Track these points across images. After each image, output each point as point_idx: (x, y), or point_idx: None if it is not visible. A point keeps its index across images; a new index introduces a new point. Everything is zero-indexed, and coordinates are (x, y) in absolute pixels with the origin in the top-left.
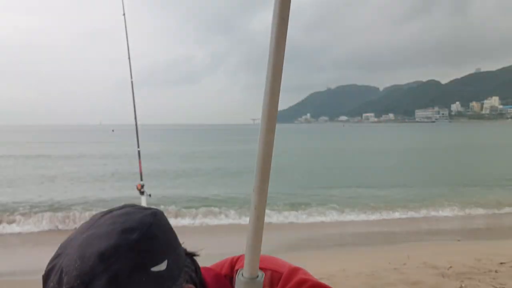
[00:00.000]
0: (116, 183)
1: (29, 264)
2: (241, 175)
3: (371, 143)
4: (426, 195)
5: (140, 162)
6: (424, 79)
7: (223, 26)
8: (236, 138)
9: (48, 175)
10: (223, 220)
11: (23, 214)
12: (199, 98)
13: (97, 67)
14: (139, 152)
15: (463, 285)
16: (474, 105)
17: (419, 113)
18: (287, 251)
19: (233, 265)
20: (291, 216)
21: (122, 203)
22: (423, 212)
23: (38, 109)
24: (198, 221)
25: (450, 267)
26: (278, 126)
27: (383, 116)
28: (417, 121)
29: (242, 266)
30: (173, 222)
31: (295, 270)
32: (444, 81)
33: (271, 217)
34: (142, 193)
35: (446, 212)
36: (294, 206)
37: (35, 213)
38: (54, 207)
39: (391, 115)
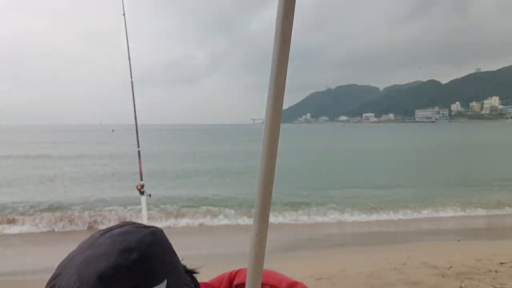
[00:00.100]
0: (116, 183)
1: (29, 265)
2: (241, 175)
3: (371, 143)
4: (426, 195)
5: (140, 162)
6: (424, 79)
7: (223, 26)
8: (236, 138)
9: (48, 175)
10: (222, 220)
11: (22, 214)
12: (199, 98)
13: (97, 67)
14: (139, 152)
15: (463, 285)
16: (474, 105)
17: (419, 113)
18: (287, 251)
19: (231, 280)
20: (291, 216)
21: (122, 203)
22: (423, 212)
23: (38, 109)
24: (197, 221)
25: (450, 267)
26: None
27: (383, 116)
28: (417, 121)
29: (240, 281)
30: (173, 222)
31: (293, 285)
32: (444, 81)
33: (271, 217)
34: (142, 193)
35: (446, 213)
36: (294, 206)
37: (35, 213)
38: (54, 208)
39: (391, 115)
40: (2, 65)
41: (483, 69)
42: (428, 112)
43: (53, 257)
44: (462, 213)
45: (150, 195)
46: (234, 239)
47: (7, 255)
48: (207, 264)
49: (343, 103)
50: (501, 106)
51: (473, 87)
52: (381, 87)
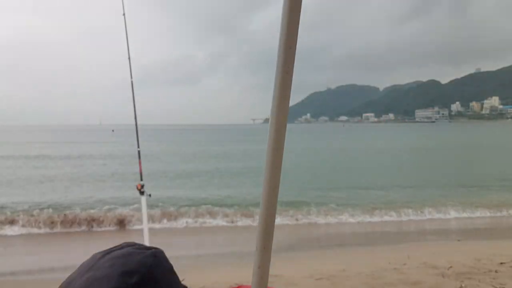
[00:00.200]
0: (116, 183)
1: (28, 265)
2: (240, 175)
3: (371, 143)
4: (426, 196)
5: (140, 162)
6: (424, 79)
7: (223, 26)
8: (236, 138)
9: (48, 176)
10: (222, 221)
11: (21, 214)
12: (199, 98)
13: (97, 67)
14: (139, 152)
15: (463, 285)
16: (474, 105)
17: (419, 113)
18: (288, 251)
19: None
20: (291, 216)
21: (122, 204)
22: (423, 213)
23: (38, 109)
24: (197, 222)
25: (450, 267)
26: None
27: (383, 116)
28: (417, 121)
29: None
30: (172, 222)
31: None
32: (444, 81)
33: None
34: (142, 193)
35: (446, 213)
36: (294, 206)
37: (34, 213)
38: (53, 208)
39: (391, 115)
40: (2, 65)
41: (483, 69)
42: (428, 112)
43: (52, 257)
44: (462, 214)
45: (150, 195)
46: (234, 239)
47: (6, 256)
48: (206, 264)
49: (343, 103)
50: (501, 106)
51: (473, 87)
52: (381, 87)
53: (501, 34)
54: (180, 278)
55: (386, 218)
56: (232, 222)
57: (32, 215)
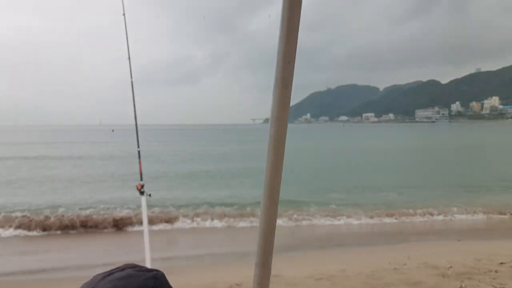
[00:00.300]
0: (115, 183)
1: (26, 266)
2: (240, 176)
3: (371, 144)
4: (427, 196)
5: (140, 162)
6: (424, 79)
7: (223, 26)
8: (236, 138)
9: (47, 176)
10: (222, 221)
11: (20, 216)
12: (199, 98)
13: (97, 67)
14: (139, 152)
15: (463, 285)
16: (474, 105)
17: (419, 113)
18: (288, 251)
19: None
20: (291, 216)
21: (121, 204)
22: (423, 213)
23: (37, 109)
24: (196, 222)
25: (450, 267)
26: None
27: (383, 116)
28: (417, 121)
29: None
30: (172, 223)
31: None
32: (444, 81)
33: None
34: (142, 193)
35: (446, 214)
36: (294, 206)
37: (32, 214)
38: (52, 209)
39: (391, 115)
40: (1, 65)
41: (483, 69)
42: (428, 112)
43: (50, 258)
44: (462, 215)
45: (150, 195)
46: (234, 239)
47: (4, 257)
48: (206, 264)
49: (343, 103)
50: (501, 106)
51: (473, 87)
52: (381, 87)
53: (502, 34)
54: (181, 278)
55: (386, 218)
56: (232, 222)
57: (30, 216)
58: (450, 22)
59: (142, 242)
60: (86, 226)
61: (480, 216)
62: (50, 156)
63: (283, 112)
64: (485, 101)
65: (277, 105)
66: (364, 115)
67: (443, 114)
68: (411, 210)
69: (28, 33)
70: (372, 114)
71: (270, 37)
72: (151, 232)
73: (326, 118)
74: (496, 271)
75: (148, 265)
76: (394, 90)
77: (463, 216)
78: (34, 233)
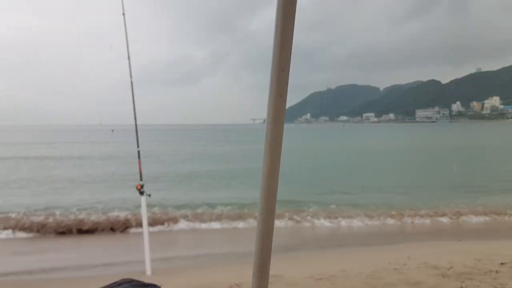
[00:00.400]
0: (115, 184)
1: (26, 267)
2: (240, 176)
3: (371, 144)
4: (427, 197)
5: (139, 162)
6: (425, 79)
7: (223, 26)
8: (236, 138)
9: (47, 177)
10: (222, 221)
11: (18, 217)
12: (199, 98)
13: (97, 67)
14: (138, 152)
15: (463, 286)
16: (475, 105)
17: (420, 113)
18: (287, 251)
19: None
20: (291, 216)
21: (121, 204)
22: (423, 214)
23: (37, 109)
24: (196, 223)
25: (451, 267)
26: None
27: (383, 116)
28: (418, 121)
29: None
30: (172, 224)
31: None
32: (444, 81)
33: None
34: (141, 193)
35: (446, 214)
36: (294, 207)
37: (31, 216)
38: (50, 210)
39: (391, 115)
40: (1, 65)
41: (484, 69)
42: (429, 112)
43: (49, 259)
44: (463, 215)
45: (150, 195)
46: (234, 239)
47: (3, 257)
48: (206, 264)
49: (343, 103)
50: (501, 106)
51: (473, 87)
52: (381, 87)
53: (502, 33)
54: (181, 278)
55: (387, 218)
56: (232, 223)
57: (25, 217)
58: (450, 22)
59: (142, 242)
60: (85, 227)
61: (481, 217)
62: (50, 156)
63: (278, 123)
64: (486, 101)
65: (272, 114)
66: (364, 115)
67: (443, 114)
68: (411, 211)
69: (28, 33)
70: (372, 114)
71: (270, 37)
72: (150, 233)
73: (326, 118)
74: (496, 272)
75: (148, 264)
76: (395, 90)
77: (464, 217)
78: (31, 234)
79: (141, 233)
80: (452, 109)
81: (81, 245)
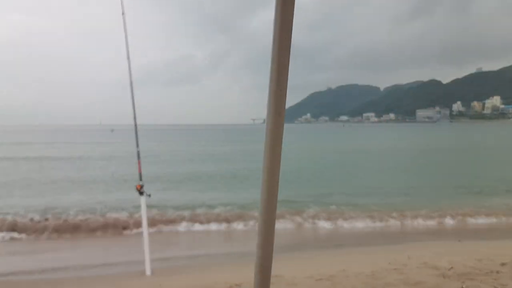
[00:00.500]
0: (115, 184)
1: (26, 267)
2: (240, 176)
3: (371, 144)
4: (427, 197)
5: (139, 163)
6: (425, 79)
7: (223, 25)
8: (236, 138)
9: (46, 177)
10: (222, 222)
11: (17, 219)
12: (199, 98)
13: (97, 66)
14: (138, 152)
15: (464, 286)
16: (476, 105)
17: (420, 113)
18: (288, 252)
19: None
20: (291, 217)
21: (121, 205)
22: (424, 214)
23: (37, 109)
24: (196, 223)
25: (451, 267)
26: None
27: (383, 116)
28: (418, 121)
29: None
30: (172, 224)
31: None
32: (445, 81)
33: None
34: (141, 193)
35: (447, 215)
36: (294, 207)
37: (29, 217)
38: (50, 210)
39: (392, 115)
40: (2, 65)
41: (485, 69)
42: (429, 112)
43: (47, 260)
44: (463, 216)
45: (149, 195)
46: (234, 240)
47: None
48: (206, 264)
49: (343, 103)
50: (502, 106)
51: (474, 87)
52: (382, 87)
53: (503, 33)
54: (181, 278)
55: (387, 218)
56: (232, 223)
57: (29, 219)
58: (451, 22)
59: (141, 242)
60: (85, 227)
61: (481, 217)
62: (50, 157)
63: (278, 123)
64: (487, 101)
65: (271, 115)
66: (364, 115)
67: (444, 114)
68: (411, 211)
69: (28, 33)
70: (373, 114)
71: (270, 37)
72: (150, 233)
73: (327, 118)
74: (497, 272)
75: (148, 265)
76: (395, 90)
77: (464, 217)
78: (31, 235)
79: (140, 234)
80: (453, 109)
81: (81, 245)
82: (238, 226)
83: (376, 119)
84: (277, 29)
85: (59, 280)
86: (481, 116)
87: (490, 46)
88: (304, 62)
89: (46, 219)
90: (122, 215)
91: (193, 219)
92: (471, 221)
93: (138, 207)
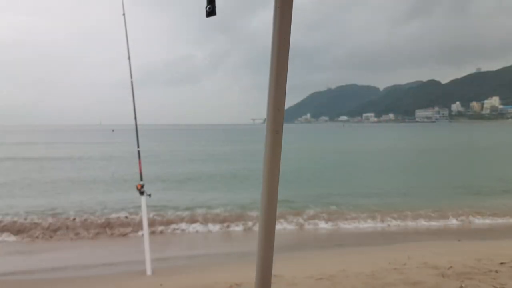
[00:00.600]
0: (116, 184)
1: (26, 267)
2: (241, 177)
3: (371, 144)
4: (427, 198)
5: (140, 162)
6: (424, 79)
7: (223, 25)
8: (236, 138)
9: (47, 177)
10: (222, 222)
11: (16, 220)
12: (199, 98)
13: (97, 67)
14: (139, 152)
15: (463, 285)
16: (474, 105)
17: (419, 113)
18: (288, 252)
19: None
20: (291, 217)
21: (121, 205)
22: (424, 214)
23: (37, 109)
24: (196, 223)
25: (451, 267)
26: None
27: (383, 116)
28: (417, 121)
29: None
30: (172, 224)
31: None
32: (444, 81)
33: None
34: (142, 193)
35: (446, 215)
36: (294, 207)
37: (27, 218)
38: (47, 212)
39: (391, 115)
40: (2, 65)
41: (484, 69)
42: (428, 112)
43: (46, 260)
44: (464, 216)
45: (150, 195)
46: (234, 240)
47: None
48: (206, 264)
49: (343, 103)
50: (501, 106)
51: (473, 87)
52: (381, 87)
53: (502, 33)
54: (181, 278)
55: (387, 218)
56: (232, 224)
57: (29, 221)
58: (450, 22)
59: (142, 242)
60: (85, 228)
61: (481, 217)
62: (50, 157)
63: (278, 124)
64: (485, 101)
65: (271, 115)
66: (364, 115)
67: (443, 114)
68: (411, 211)
69: (28, 32)
70: (372, 114)
71: (269, 37)
72: (150, 233)
73: (326, 118)
74: (496, 271)
75: (148, 264)
76: (394, 90)
77: (464, 217)
78: (31, 235)
79: (141, 234)
80: (452, 109)
81: (81, 245)
82: (238, 226)
83: (375, 119)
84: (276, 31)
85: (60, 280)
86: (480, 116)
87: (489, 46)
88: (303, 62)
89: (46, 219)
90: (122, 215)
91: (193, 219)
92: (471, 221)
93: (138, 207)
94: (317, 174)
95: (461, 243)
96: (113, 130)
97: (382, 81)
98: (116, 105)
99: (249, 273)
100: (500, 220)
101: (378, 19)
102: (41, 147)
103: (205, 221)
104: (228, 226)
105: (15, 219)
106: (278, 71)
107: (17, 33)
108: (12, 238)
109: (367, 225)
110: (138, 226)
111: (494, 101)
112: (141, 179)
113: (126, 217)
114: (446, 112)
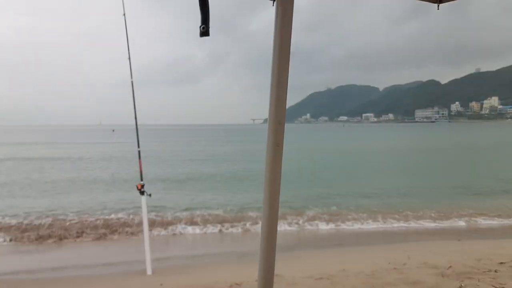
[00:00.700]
0: (116, 184)
1: (26, 267)
2: (241, 177)
3: (371, 144)
4: (427, 197)
5: (140, 162)
6: (424, 79)
7: (223, 25)
8: (237, 138)
9: (47, 178)
10: (221, 224)
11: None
12: (199, 98)
13: (97, 67)
14: (139, 152)
15: (463, 285)
16: (474, 105)
17: (419, 113)
18: (288, 251)
19: None
20: (292, 217)
21: (121, 205)
22: (424, 215)
23: (37, 109)
24: (197, 224)
25: (450, 266)
26: None
27: (383, 116)
28: (417, 121)
29: None
30: (172, 225)
31: None
32: (443, 81)
33: None
34: (142, 193)
35: (447, 215)
36: (295, 208)
37: (33, 217)
38: (46, 213)
39: (391, 115)
40: (2, 65)
41: (483, 69)
42: (428, 112)
43: (47, 258)
44: (464, 216)
45: (150, 195)
46: (234, 240)
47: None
48: (206, 264)
49: (343, 103)
50: (500, 106)
51: (472, 87)
52: (381, 87)
53: (501, 34)
54: (181, 278)
55: (387, 219)
56: (232, 224)
57: (28, 221)
58: (450, 22)
59: (142, 242)
60: (85, 228)
61: (481, 217)
62: (50, 157)
63: (280, 125)
64: (485, 101)
65: (273, 116)
66: (363, 115)
67: (442, 114)
68: (411, 211)
69: (28, 33)
70: (372, 114)
71: (270, 36)
72: (151, 233)
73: (326, 118)
74: (495, 271)
75: (149, 264)
76: (394, 90)
77: (464, 217)
78: (31, 235)
79: (141, 234)
80: (451, 109)
81: (81, 245)
82: (238, 226)
83: (375, 119)
84: (277, 34)
85: (60, 279)
86: (479, 116)
87: (488, 46)
88: (303, 62)
89: (46, 219)
90: (123, 215)
91: (193, 219)
92: (471, 221)
93: (138, 207)
94: (317, 174)
95: (460, 242)
96: (113, 130)
97: (382, 81)
98: (116, 105)
99: (249, 273)
100: (500, 220)
101: (377, 19)
102: (41, 147)
103: (205, 221)
104: (227, 227)
105: (15, 219)
106: (279, 74)
107: (17, 33)
108: (12, 238)
109: (367, 225)
110: (138, 226)
111: (494, 101)
112: (142, 179)
113: (126, 217)
114: (445, 112)
